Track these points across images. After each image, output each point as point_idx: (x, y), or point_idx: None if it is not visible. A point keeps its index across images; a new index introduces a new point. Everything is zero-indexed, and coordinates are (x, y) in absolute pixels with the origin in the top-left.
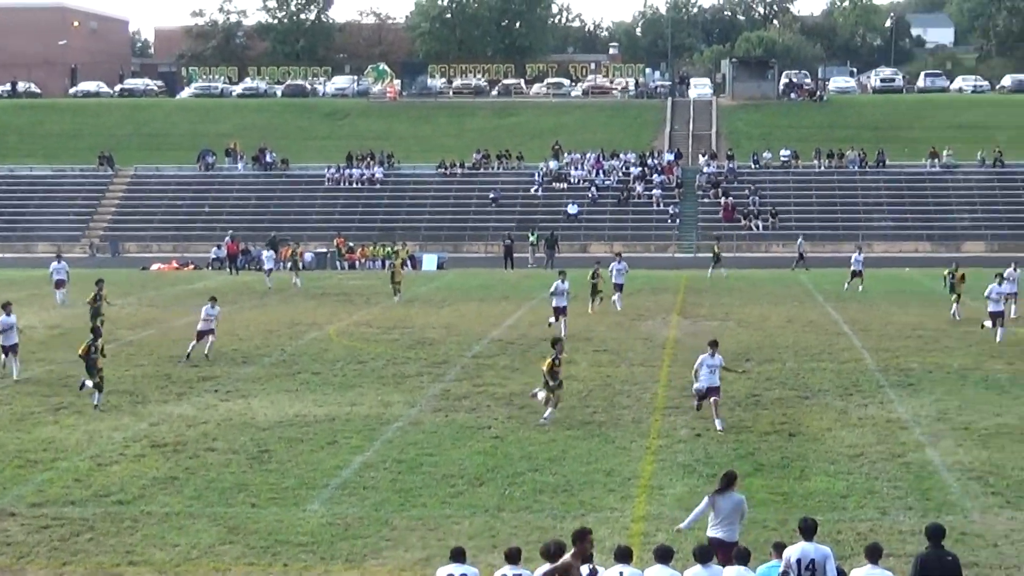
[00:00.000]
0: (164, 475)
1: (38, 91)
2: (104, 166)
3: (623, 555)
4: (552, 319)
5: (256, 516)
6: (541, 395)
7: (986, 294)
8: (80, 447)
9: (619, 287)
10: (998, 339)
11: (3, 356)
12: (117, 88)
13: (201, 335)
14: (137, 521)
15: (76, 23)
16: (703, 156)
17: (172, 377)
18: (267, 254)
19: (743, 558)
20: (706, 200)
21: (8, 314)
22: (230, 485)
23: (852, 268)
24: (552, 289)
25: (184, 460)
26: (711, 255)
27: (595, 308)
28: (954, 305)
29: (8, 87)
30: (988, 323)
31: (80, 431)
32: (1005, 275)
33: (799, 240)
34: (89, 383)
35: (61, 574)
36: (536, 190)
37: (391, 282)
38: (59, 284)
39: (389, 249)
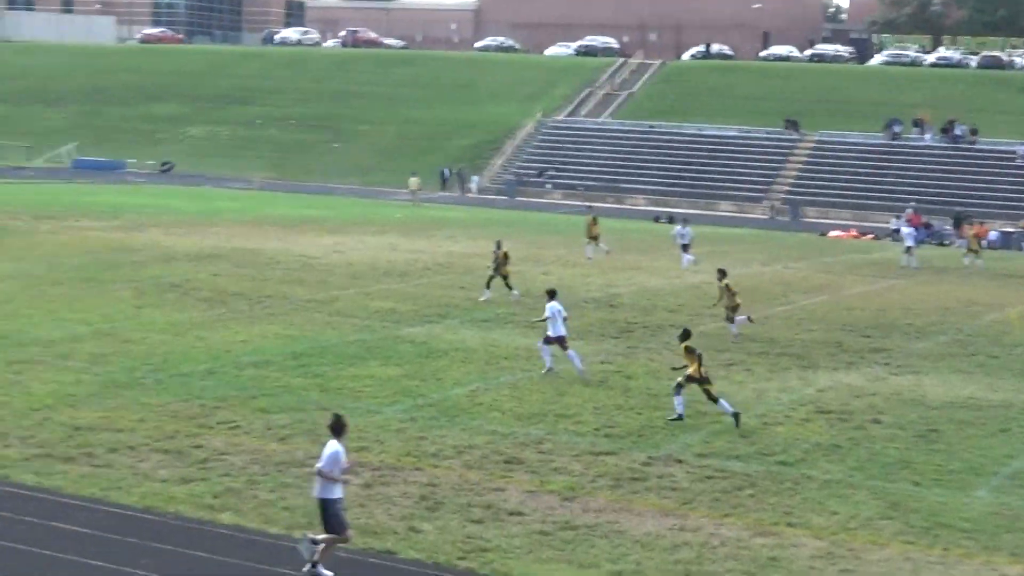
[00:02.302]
0: (827, 442)
1: (731, 53)
2: (789, 130)
3: None
4: None
5: (918, 495)
6: None
7: None
8: (747, 404)
9: None
10: None
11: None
12: (807, 53)
13: None
14: (798, 484)
15: None
16: None
17: (843, 345)
18: (906, 231)
19: None
20: None
21: (551, 299)
22: (893, 460)
23: None
24: None
25: (848, 430)
26: None
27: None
28: None
29: (703, 48)
30: None
31: (748, 388)
32: None
33: None
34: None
35: (720, 524)
36: None
37: None
38: (685, 248)
39: None
